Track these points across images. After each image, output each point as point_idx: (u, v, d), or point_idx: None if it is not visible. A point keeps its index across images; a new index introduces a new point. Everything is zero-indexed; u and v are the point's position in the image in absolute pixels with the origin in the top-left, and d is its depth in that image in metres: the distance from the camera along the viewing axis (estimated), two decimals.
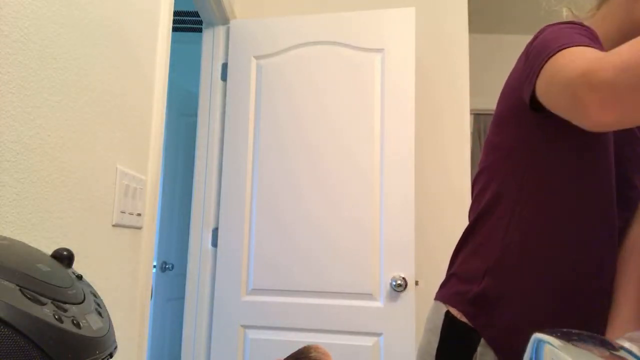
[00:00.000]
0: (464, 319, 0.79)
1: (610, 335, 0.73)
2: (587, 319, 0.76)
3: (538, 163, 0.78)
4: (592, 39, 0.72)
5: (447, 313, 0.82)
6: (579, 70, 0.61)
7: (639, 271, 0.75)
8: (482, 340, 0.77)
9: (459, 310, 0.80)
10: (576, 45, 0.67)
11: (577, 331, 0.46)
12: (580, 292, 0.76)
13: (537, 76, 0.71)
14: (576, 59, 0.64)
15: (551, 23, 0.79)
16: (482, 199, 0.85)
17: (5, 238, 0.44)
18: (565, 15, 0.90)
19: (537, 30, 0.81)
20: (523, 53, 0.80)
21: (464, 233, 0.88)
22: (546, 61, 0.69)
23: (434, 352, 0.81)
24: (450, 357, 0.79)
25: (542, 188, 0.78)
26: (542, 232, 0.77)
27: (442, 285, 0.88)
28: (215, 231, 2.08)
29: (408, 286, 1.84)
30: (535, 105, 0.74)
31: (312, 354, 0.55)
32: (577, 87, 0.61)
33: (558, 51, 0.68)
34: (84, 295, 0.44)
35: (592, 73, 0.59)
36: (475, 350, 0.77)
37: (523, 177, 0.79)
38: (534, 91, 0.73)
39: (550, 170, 0.77)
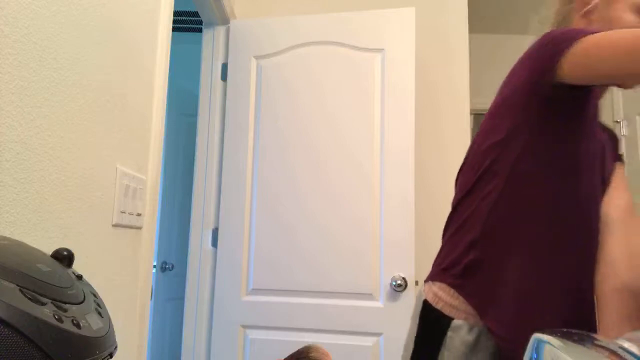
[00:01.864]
0: (438, 306, 0.83)
1: (602, 333, 0.74)
2: (571, 297, 0.79)
3: (533, 147, 0.80)
4: None
5: (425, 302, 0.86)
6: None
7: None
8: (452, 324, 0.81)
9: (447, 283, 0.83)
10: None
11: (577, 331, 0.46)
12: (565, 273, 0.79)
13: (568, 49, 0.71)
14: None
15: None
16: (467, 182, 0.87)
17: (5, 238, 0.44)
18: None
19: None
20: (527, 52, 0.81)
21: (447, 219, 0.91)
22: (581, 38, 0.70)
23: (413, 336, 0.87)
24: (425, 341, 0.85)
25: (534, 171, 0.80)
26: (529, 211, 0.79)
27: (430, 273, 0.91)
28: (215, 231, 2.08)
29: (408, 286, 1.84)
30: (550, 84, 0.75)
31: (312, 354, 0.55)
32: None
33: (596, 32, 0.70)
34: (84, 295, 0.44)
35: None
36: (445, 333, 0.81)
37: (516, 158, 0.80)
38: (555, 71, 0.73)
39: (544, 154, 0.79)
